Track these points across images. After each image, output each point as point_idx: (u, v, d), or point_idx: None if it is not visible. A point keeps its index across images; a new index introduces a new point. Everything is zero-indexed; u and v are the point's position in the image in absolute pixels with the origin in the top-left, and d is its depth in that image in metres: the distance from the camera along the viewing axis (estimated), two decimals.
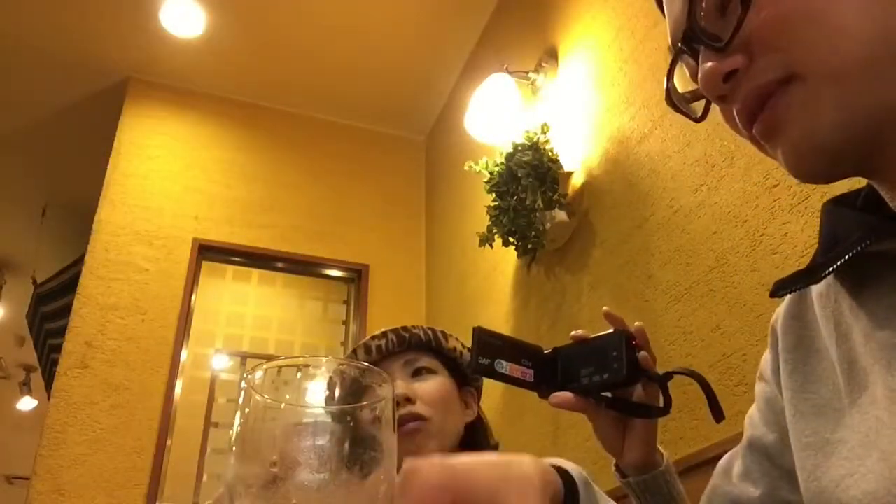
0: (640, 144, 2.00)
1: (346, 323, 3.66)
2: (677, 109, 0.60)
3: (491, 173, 2.37)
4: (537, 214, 2.25)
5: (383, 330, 1.22)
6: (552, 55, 2.64)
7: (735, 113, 0.53)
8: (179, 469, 3.02)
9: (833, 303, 0.57)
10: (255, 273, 3.64)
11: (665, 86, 0.60)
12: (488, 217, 2.38)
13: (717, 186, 1.66)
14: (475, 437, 1.18)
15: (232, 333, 3.49)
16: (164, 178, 3.48)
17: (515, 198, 2.27)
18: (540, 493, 0.46)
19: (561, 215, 2.23)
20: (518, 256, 2.50)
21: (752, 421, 0.70)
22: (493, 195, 2.37)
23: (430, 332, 1.22)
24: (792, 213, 1.42)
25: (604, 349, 0.86)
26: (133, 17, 3.34)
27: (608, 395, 0.88)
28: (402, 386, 1.13)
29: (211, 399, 3.27)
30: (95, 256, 3.19)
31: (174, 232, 3.36)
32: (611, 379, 0.85)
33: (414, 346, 1.19)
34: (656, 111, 1.94)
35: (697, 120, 0.60)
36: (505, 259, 2.68)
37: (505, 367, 0.86)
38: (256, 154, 3.73)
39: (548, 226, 2.26)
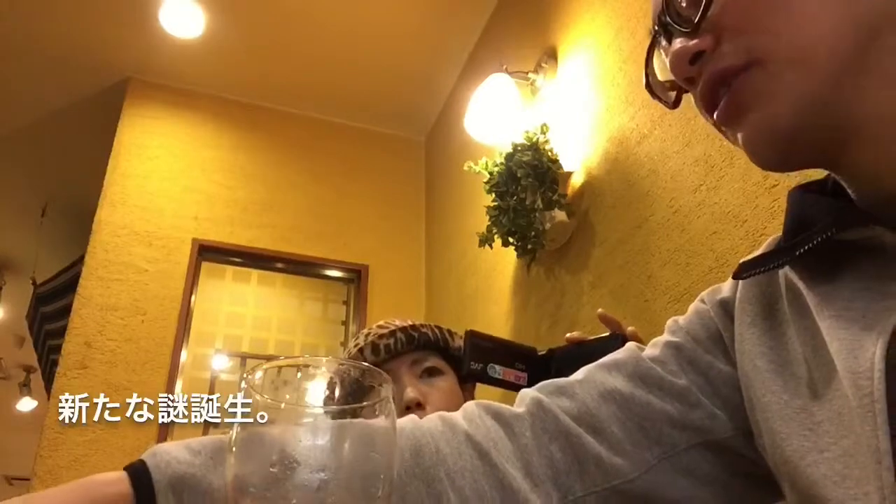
0: (640, 144, 2.00)
1: (345, 323, 3.66)
2: (654, 96, 0.60)
3: (490, 174, 2.37)
4: (537, 214, 2.25)
5: (389, 326, 1.20)
6: (552, 55, 2.64)
7: (699, 95, 0.53)
8: None
9: (794, 283, 0.56)
10: (255, 273, 3.64)
11: (644, 71, 0.60)
12: (488, 217, 2.38)
13: (716, 186, 1.66)
14: None
15: (232, 334, 3.49)
16: (164, 178, 3.48)
17: (515, 198, 2.27)
18: None
19: (561, 215, 2.23)
20: (518, 256, 2.50)
21: (679, 326, 0.66)
22: (493, 195, 2.37)
23: (437, 332, 1.20)
24: None
25: (600, 353, 0.85)
26: (133, 17, 3.34)
27: None
28: (411, 391, 1.11)
29: None
30: (95, 257, 3.19)
31: (174, 232, 3.36)
32: None
33: (422, 346, 1.18)
34: (656, 111, 1.94)
35: (671, 107, 0.60)
36: (504, 259, 2.68)
37: (498, 371, 0.85)
38: (256, 154, 3.73)
39: (547, 226, 2.26)
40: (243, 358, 3.45)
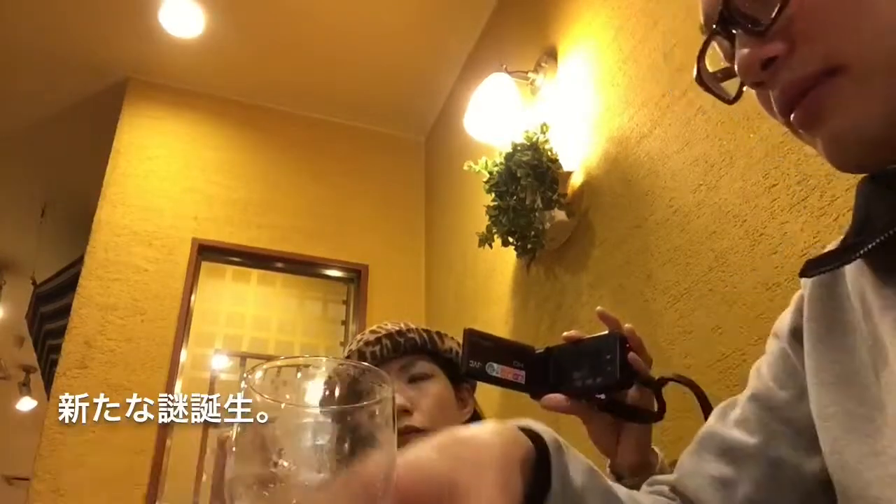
0: (640, 144, 2.00)
1: (345, 323, 3.66)
2: (708, 90, 0.59)
3: (490, 173, 2.37)
4: (537, 214, 2.25)
5: (377, 332, 1.18)
6: (551, 55, 2.64)
7: (772, 98, 0.52)
8: (179, 469, 3.02)
9: (861, 281, 0.56)
10: (255, 273, 3.64)
11: (696, 66, 0.58)
12: (487, 217, 2.38)
13: (716, 186, 1.66)
14: None
15: (231, 334, 3.49)
16: (164, 178, 3.48)
17: (515, 198, 2.27)
18: (498, 467, 0.44)
19: (560, 215, 2.23)
20: (517, 256, 2.50)
21: (760, 373, 0.68)
22: (493, 195, 2.37)
23: (425, 335, 1.19)
24: (791, 213, 1.42)
25: (597, 351, 0.85)
26: (132, 17, 3.34)
27: (601, 397, 0.87)
28: (398, 397, 1.09)
29: None
30: (95, 257, 3.19)
31: (174, 232, 3.36)
32: (604, 382, 0.84)
33: (409, 351, 1.16)
34: (656, 111, 1.94)
35: (730, 102, 0.58)
36: (504, 259, 2.68)
37: (496, 369, 0.85)
38: (256, 154, 3.73)
39: (547, 226, 2.26)
40: (243, 358, 3.45)
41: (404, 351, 1.16)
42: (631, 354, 0.85)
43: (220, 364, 3.41)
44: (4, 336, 5.97)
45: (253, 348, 3.48)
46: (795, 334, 0.64)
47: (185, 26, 3.37)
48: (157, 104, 3.64)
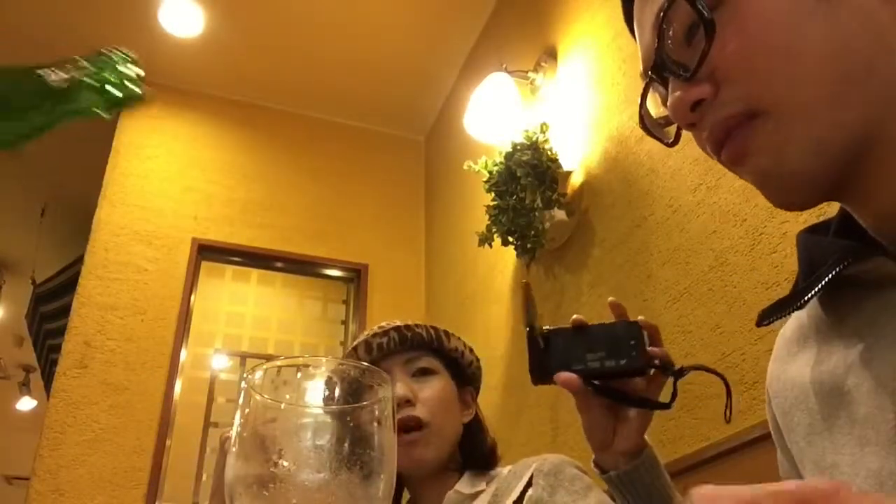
0: (639, 144, 2.00)
1: (345, 322, 3.66)
2: (651, 134, 0.62)
3: (490, 173, 2.37)
4: (536, 214, 2.25)
5: (384, 327, 1.20)
6: (551, 55, 2.64)
7: (704, 139, 0.55)
8: (179, 469, 3.02)
9: (813, 327, 0.59)
10: (255, 273, 3.64)
11: (639, 112, 0.61)
12: (487, 216, 2.38)
13: (715, 185, 1.66)
14: (472, 436, 1.19)
15: (231, 333, 3.49)
16: (164, 178, 3.48)
17: (515, 197, 2.28)
18: None
19: (560, 215, 2.23)
20: (517, 256, 2.50)
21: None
22: (493, 195, 2.37)
23: (432, 332, 1.19)
24: (790, 213, 1.42)
25: (616, 336, 0.85)
26: (132, 16, 3.34)
27: (602, 383, 0.86)
28: (402, 387, 1.11)
29: (210, 399, 3.27)
30: (95, 256, 3.19)
31: (173, 232, 3.36)
32: (628, 365, 0.83)
33: (415, 346, 1.17)
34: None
35: (670, 145, 0.61)
36: (504, 258, 2.68)
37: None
38: (256, 154, 3.73)
39: (547, 225, 2.26)
40: (243, 357, 3.45)
41: (410, 345, 1.17)
42: (653, 343, 0.86)
43: (220, 364, 3.41)
44: (4, 335, 5.96)
45: (253, 348, 3.48)
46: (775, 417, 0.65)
47: (184, 26, 3.37)
48: (156, 104, 3.64)
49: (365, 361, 1.01)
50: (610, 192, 2.12)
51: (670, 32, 0.53)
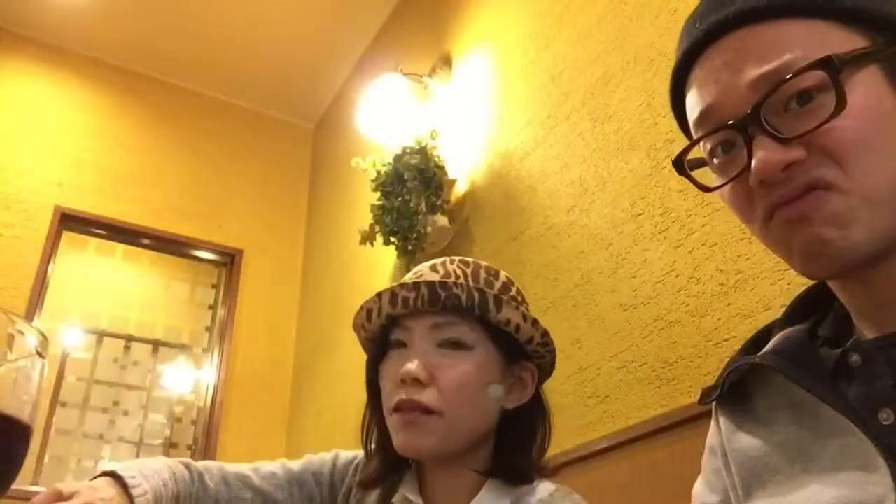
0: (522, 161, 2.09)
1: (213, 308, 3.56)
2: (687, 176, 0.66)
3: (378, 172, 2.40)
4: (420, 217, 2.30)
5: (419, 276, 0.95)
6: (446, 62, 2.70)
7: (758, 195, 0.59)
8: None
9: (730, 411, 0.69)
10: (121, 248, 3.47)
11: (684, 151, 0.65)
12: (371, 215, 2.41)
13: (588, 209, 1.76)
14: (513, 431, 0.93)
15: (90, 310, 3.31)
16: (29, 138, 3.25)
17: (400, 199, 2.31)
18: None
19: (442, 220, 2.29)
20: (398, 257, 2.54)
21: (698, 492, 0.73)
22: (379, 194, 2.40)
23: (476, 295, 0.89)
24: (652, 241, 1.54)
25: None
26: None
27: None
28: (414, 364, 0.87)
29: (60, 377, 3.10)
30: None
31: (35, 197, 3.15)
32: None
33: (449, 309, 0.89)
34: (540, 130, 2.04)
35: (708, 190, 0.65)
36: (384, 257, 2.71)
37: None
38: (133, 123, 3.56)
39: (429, 229, 2.31)
40: (100, 335, 3.28)
41: (443, 307, 0.89)
42: None
43: (74, 340, 3.23)
44: None
45: (112, 326, 3.32)
46: (713, 450, 0.73)
47: None
48: (26, 58, 3.39)
49: (389, 314, 0.91)
50: (491, 204, 2.20)
51: (776, 91, 0.57)
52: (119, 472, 0.81)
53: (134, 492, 0.80)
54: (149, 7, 3.36)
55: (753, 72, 0.58)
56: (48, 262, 3.08)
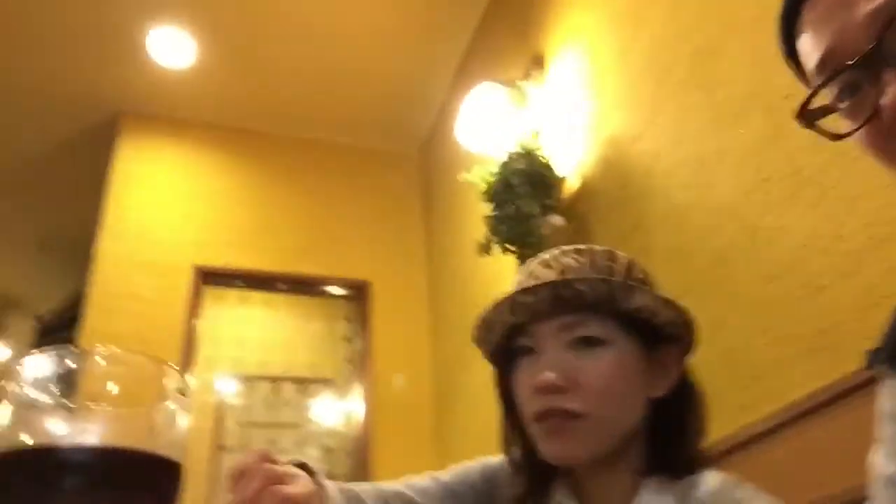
0: (632, 145, 2.02)
1: (349, 339, 3.67)
2: (813, 127, 0.61)
3: (486, 183, 2.39)
4: (534, 221, 2.27)
5: (536, 279, 0.86)
6: (539, 62, 2.67)
7: None
8: (190, 494, 3.01)
9: None
10: (257, 296, 3.65)
11: (806, 102, 0.60)
12: (486, 226, 2.40)
13: (709, 183, 1.68)
14: (663, 421, 0.86)
15: (237, 356, 3.49)
16: (162, 207, 3.50)
17: (512, 206, 2.29)
18: None
19: (558, 220, 2.25)
20: (519, 264, 2.51)
21: (877, 463, 0.64)
22: (491, 204, 2.39)
23: (602, 288, 0.82)
24: (785, 205, 1.44)
25: None
26: (120, 50, 3.36)
27: None
28: (550, 371, 0.81)
29: (219, 423, 3.28)
30: (96, 289, 3.20)
31: (174, 260, 3.38)
32: None
33: (577, 307, 0.83)
34: (646, 112, 1.96)
35: (840, 138, 0.60)
36: (506, 267, 2.69)
37: None
38: (251, 178, 3.75)
39: (546, 231, 2.27)
40: (250, 380, 3.46)
41: (569, 307, 0.83)
42: None
43: (227, 388, 3.41)
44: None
45: (259, 370, 3.49)
46: None
47: (175, 56, 3.39)
48: (151, 135, 3.67)
49: (512, 324, 0.86)
50: (605, 195, 2.14)
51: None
52: (316, 472, 0.78)
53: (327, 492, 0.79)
54: (251, 67, 3.54)
55: (867, 5, 0.54)
56: (194, 316, 3.28)
